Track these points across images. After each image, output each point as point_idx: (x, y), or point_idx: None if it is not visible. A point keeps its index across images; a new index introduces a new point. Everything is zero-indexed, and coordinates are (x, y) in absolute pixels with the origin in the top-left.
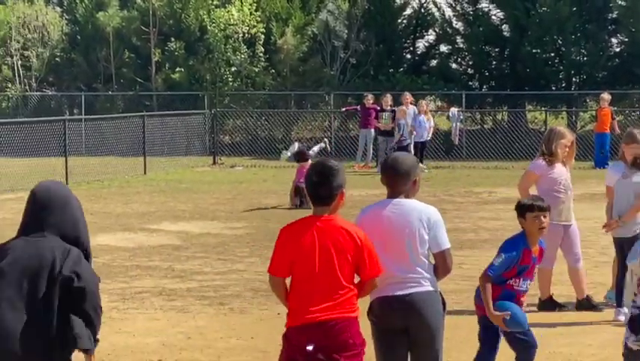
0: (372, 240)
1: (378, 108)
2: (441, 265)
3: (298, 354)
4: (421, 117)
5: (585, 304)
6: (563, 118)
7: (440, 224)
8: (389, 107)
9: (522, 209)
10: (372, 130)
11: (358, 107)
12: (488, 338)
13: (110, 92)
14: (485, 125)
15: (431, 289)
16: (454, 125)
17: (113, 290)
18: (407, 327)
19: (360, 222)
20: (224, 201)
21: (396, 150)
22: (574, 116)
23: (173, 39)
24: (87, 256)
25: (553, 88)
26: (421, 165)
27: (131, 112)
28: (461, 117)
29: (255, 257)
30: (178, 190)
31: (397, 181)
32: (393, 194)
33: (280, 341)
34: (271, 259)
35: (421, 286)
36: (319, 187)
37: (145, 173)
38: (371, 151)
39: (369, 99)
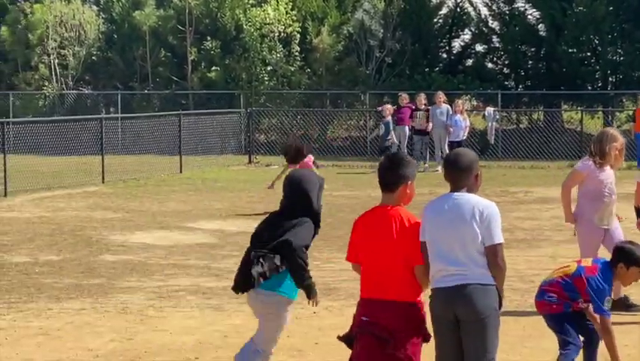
0: (432, 232)
1: (413, 107)
2: (491, 260)
3: (357, 322)
4: (457, 117)
5: (621, 304)
6: (599, 118)
7: (494, 218)
8: (423, 107)
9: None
10: (407, 128)
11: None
12: (573, 331)
13: (146, 91)
14: (521, 125)
15: (483, 282)
16: (489, 124)
17: (149, 288)
18: (458, 319)
19: (423, 215)
20: (259, 199)
21: (382, 151)
22: (610, 116)
23: (209, 38)
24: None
25: (589, 88)
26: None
27: (167, 111)
28: (497, 117)
29: None
30: (214, 189)
31: (458, 176)
32: (454, 189)
33: (316, 339)
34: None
35: (471, 278)
36: (386, 172)
37: (181, 171)
38: (405, 149)
39: (405, 98)
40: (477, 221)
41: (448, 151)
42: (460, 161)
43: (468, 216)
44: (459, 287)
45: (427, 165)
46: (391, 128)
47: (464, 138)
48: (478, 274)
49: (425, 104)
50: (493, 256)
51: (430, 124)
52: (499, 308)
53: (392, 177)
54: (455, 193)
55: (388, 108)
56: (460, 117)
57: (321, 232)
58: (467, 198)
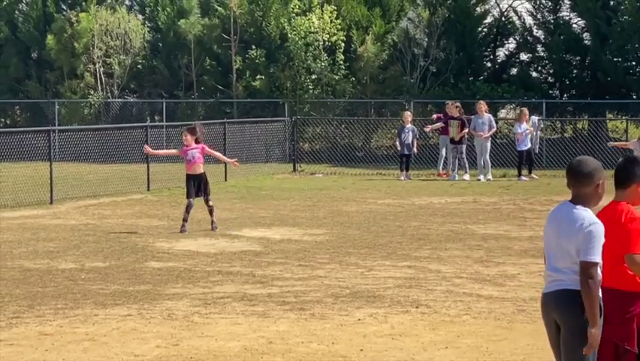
0: (546, 237)
1: (442, 116)
2: (581, 277)
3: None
4: (523, 125)
5: None
6: None
7: (593, 235)
8: (457, 115)
9: None
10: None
11: (442, 116)
12: None
13: (191, 99)
14: (565, 134)
15: (575, 288)
16: (534, 133)
17: (195, 295)
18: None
19: (546, 218)
20: (304, 208)
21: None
22: None
23: (253, 47)
24: None
25: (634, 97)
26: (525, 175)
27: (211, 119)
28: (541, 126)
29: (334, 263)
30: (258, 197)
31: (578, 183)
32: (573, 197)
33: (361, 345)
34: None
35: (565, 284)
36: (620, 171)
37: (226, 180)
38: (451, 159)
39: (450, 107)
40: (579, 234)
41: (489, 161)
42: (580, 168)
43: (574, 228)
44: (554, 293)
45: (466, 175)
46: (405, 135)
47: (534, 147)
48: (573, 281)
49: (461, 113)
50: (583, 273)
51: (465, 130)
52: (601, 315)
53: (624, 175)
54: (571, 203)
55: (406, 115)
56: (526, 125)
57: (364, 240)
58: (579, 210)
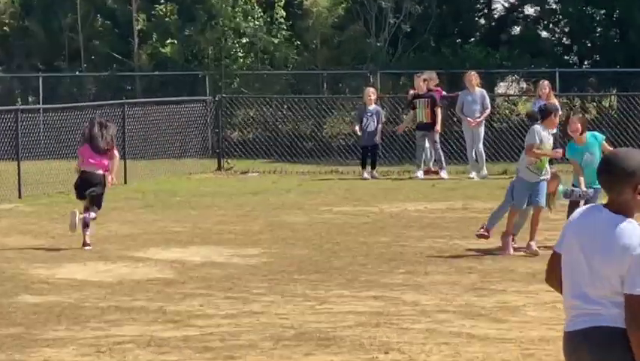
0: (567, 250)
1: (443, 93)
2: (626, 314)
3: None
4: (542, 103)
5: None
6: None
7: None
8: (424, 92)
9: None
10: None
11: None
12: None
13: (77, 73)
14: (587, 115)
15: (617, 326)
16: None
17: (83, 340)
18: None
19: (567, 223)
20: (233, 219)
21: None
22: None
23: (162, 1)
24: None
25: None
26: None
27: (105, 99)
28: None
29: (274, 295)
30: (170, 205)
31: (612, 185)
32: (608, 201)
33: None
34: None
35: (603, 320)
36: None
37: (125, 182)
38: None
39: (430, 79)
40: (626, 258)
41: (483, 153)
42: (615, 165)
43: (617, 248)
44: (590, 332)
45: (443, 171)
46: (368, 120)
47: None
48: (611, 315)
49: (430, 89)
50: (629, 311)
51: (439, 117)
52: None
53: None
54: (608, 210)
55: (369, 93)
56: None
57: (315, 263)
58: (624, 224)
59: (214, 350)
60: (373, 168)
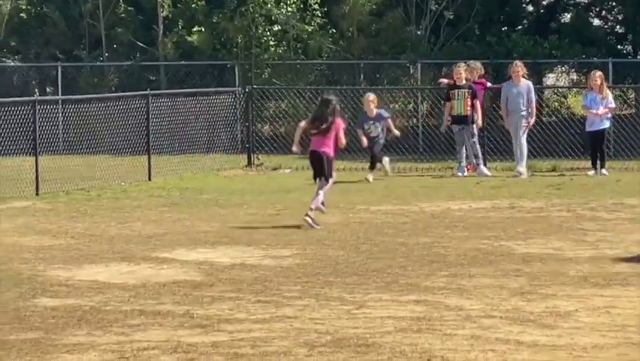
0: None
1: (489, 84)
2: None
3: None
4: (594, 96)
5: None
6: None
7: None
8: (464, 83)
9: None
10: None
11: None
12: None
13: (98, 62)
14: None
15: None
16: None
17: (105, 346)
18: None
19: None
20: (264, 218)
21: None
22: None
23: None
24: None
25: None
26: (594, 170)
27: (128, 90)
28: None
29: (308, 298)
30: (197, 203)
31: None
32: None
33: None
34: None
35: None
36: None
37: (149, 178)
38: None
39: (475, 69)
40: None
41: (525, 146)
42: None
43: None
44: None
45: (483, 167)
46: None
47: (608, 126)
48: None
49: (468, 79)
50: None
51: (479, 110)
52: None
53: None
54: None
55: (369, 100)
56: (599, 97)
57: (352, 264)
58: None
59: (245, 356)
60: (372, 169)
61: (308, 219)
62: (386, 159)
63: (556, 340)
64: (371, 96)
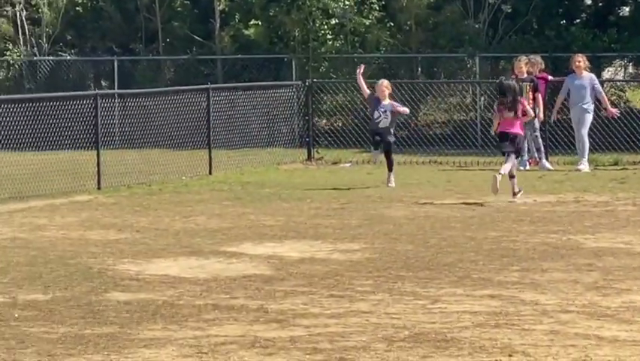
0: None
1: (550, 78)
2: None
3: None
4: None
5: None
6: None
7: None
8: (526, 76)
9: None
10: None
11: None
12: None
13: (154, 56)
14: None
15: None
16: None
17: (182, 340)
18: None
19: None
20: (328, 212)
21: (376, 149)
22: None
23: None
24: None
25: None
26: None
27: (185, 84)
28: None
29: (382, 293)
30: (259, 197)
31: None
32: None
33: None
34: None
35: None
36: None
37: (210, 172)
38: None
39: (535, 63)
40: None
41: (586, 139)
42: None
43: None
44: None
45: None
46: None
47: None
48: None
49: (530, 72)
50: None
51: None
52: None
53: None
54: None
55: (383, 87)
56: None
57: (422, 259)
58: None
59: (324, 351)
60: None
61: (499, 177)
62: (377, 153)
63: (636, 335)
64: (385, 82)
